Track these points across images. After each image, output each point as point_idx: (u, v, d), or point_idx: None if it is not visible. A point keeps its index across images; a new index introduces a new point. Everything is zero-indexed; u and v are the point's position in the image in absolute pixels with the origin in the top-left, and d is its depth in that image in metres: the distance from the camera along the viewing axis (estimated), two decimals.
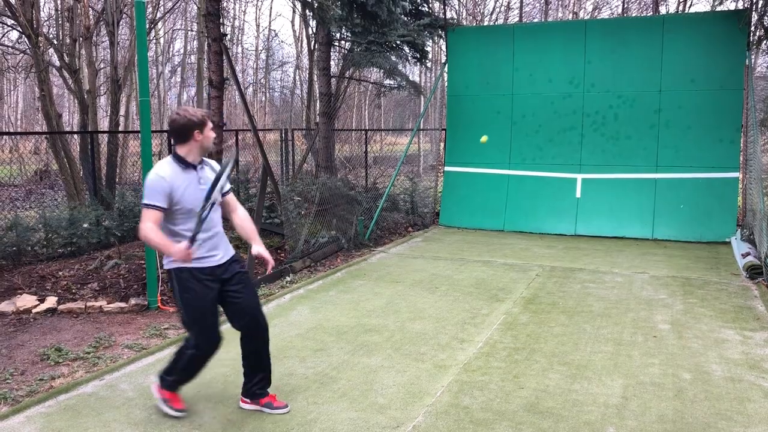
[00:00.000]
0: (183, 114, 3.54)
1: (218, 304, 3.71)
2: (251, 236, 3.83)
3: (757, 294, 6.57)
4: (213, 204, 3.54)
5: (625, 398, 4.03)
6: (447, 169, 11.51)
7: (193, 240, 3.44)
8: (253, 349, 3.77)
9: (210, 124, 3.61)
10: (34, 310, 5.83)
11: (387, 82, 12.42)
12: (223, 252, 3.71)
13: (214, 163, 3.77)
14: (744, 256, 7.82)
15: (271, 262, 3.82)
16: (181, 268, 3.56)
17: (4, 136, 16.17)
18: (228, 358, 4.75)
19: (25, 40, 10.85)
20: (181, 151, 3.54)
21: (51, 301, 5.98)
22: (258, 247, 3.78)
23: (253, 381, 3.83)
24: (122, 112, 18.87)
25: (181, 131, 3.52)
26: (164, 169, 3.51)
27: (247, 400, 3.87)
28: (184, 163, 3.55)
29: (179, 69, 27.27)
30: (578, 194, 10.39)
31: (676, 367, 4.56)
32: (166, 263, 3.63)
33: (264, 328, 3.77)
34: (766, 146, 10.93)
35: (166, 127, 25.94)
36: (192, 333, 3.71)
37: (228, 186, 3.77)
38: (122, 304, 6.03)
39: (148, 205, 3.44)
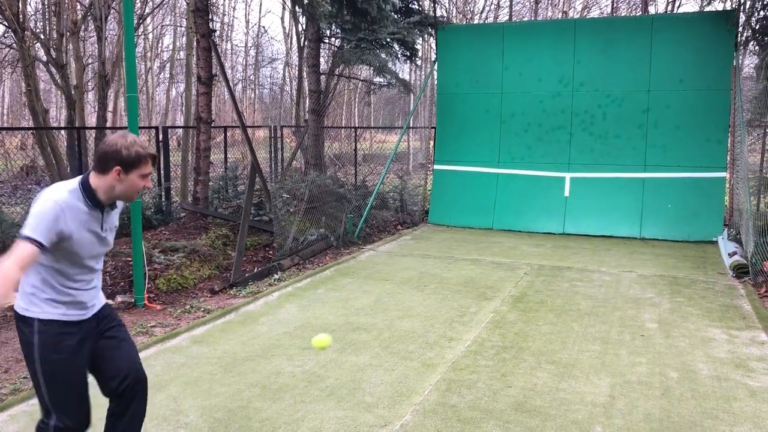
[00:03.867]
0: (115, 141, 2.61)
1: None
2: None
3: (743, 293, 6.61)
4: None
5: (612, 397, 4.04)
6: (436, 167, 11.50)
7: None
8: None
9: (144, 171, 2.65)
10: None
11: (377, 79, 12.39)
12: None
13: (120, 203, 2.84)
14: (731, 255, 7.87)
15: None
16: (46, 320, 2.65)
17: None
18: (214, 356, 4.72)
19: (11, 34, 10.73)
20: (94, 181, 2.63)
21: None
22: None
23: None
24: (110, 107, 18.73)
25: (102, 159, 2.62)
26: (62, 194, 2.57)
27: None
28: (92, 198, 2.63)
29: (168, 65, 27.09)
30: (567, 193, 10.42)
31: (663, 365, 4.58)
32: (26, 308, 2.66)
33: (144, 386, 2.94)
34: (753, 146, 11.01)
35: (154, 123, 25.78)
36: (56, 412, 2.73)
37: None
38: (108, 302, 5.97)
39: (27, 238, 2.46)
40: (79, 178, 2.66)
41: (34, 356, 2.64)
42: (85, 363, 2.76)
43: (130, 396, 2.85)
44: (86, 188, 2.62)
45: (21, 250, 2.42)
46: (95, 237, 2.67)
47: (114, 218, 2.81)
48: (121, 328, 2.96)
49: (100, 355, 2.82)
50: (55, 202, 2.52)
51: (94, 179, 2.63)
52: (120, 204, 2.81)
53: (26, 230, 2.46)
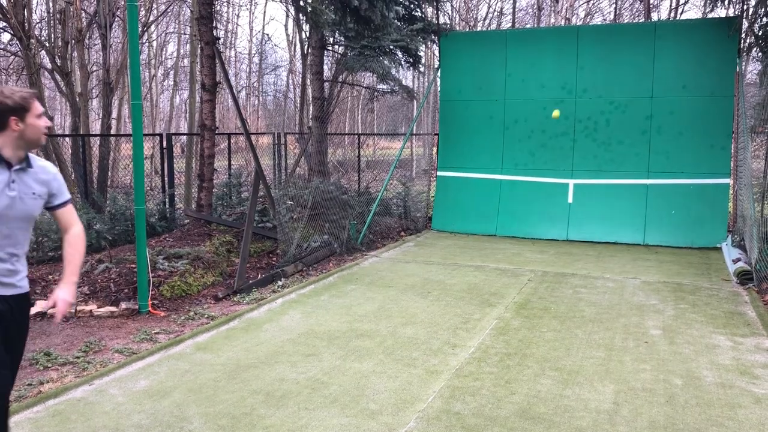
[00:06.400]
0: None
1: None
2: (66, 268, 2.95)
3: (747, 300, 6.59)
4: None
5: (616, 404, 4.03)
6: (439, 173, 11.51)
7: None
8: None
9: (36, 110, 2.76)
10: None
11: (380, 86, 12.43)
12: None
13: (48, 166, 2.92)
14: (735, 261, 7.85)
15: (60, 314, 2.87)
16: None
17: None
18: (218, 363, 4.72)
19: (17, 42, 10.79)
20: None
21: (41, 305, 5.93)
22: (61, 291, 2.86)
23: None
24: (114, 115, 18.81)
25: None
26: None
27: None
28: None
29: (172, 72, 27.21)
30: (570, 199, 10.42)
31: (667, 372, 4.57)
32: None
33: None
34: (757, 152, 10.99)
35: (158, 130, 25.86)
36: None
37: (63, 197, 2.95)
38: (113, 308, 5.99)
39: None
40: None
41: None
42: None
43: None
44: None
45: None
46: None
47: (33, 183, 2.80)
48: (21, 344, 2.91)
49: None
50: None
51: None
52: (41, 171, 2.83)
53: None
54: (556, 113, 6.29)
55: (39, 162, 2.86)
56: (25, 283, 2.85)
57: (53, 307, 2.83)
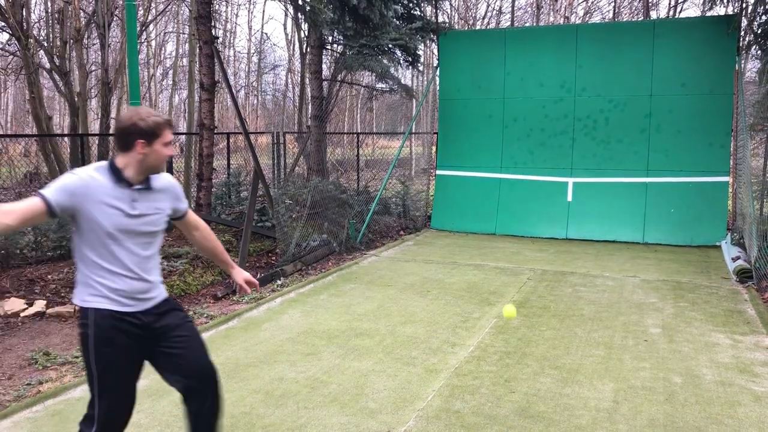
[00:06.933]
0: (130, 116, 2.67)
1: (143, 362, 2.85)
2: (224, 258, 3.22)
3: (747, 298, 6.59)
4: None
5: (616, 402, 4.03)
6: (439, 172, 11.51)
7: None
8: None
9: (165, 138, 2.72)
10: (22, 314, 5.78)
11: (379, 85, 12.42)
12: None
13: (167, 178, 2.89)
14: (734, 259, 7.85)
15: (256, 283, 3.26)
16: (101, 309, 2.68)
17: None
18: (217, 363, 4.72)
19: (15, 42, 10.79)
20: (120, 161, 2.68)
21: (40, 305, 5.93)
22: (241, 273, 3.20)
23: None
24: (113, 114, 18.79)
25: (121, 136, 2.68)
26: (87, 169, 2.66)
27: None
28: (117, 174, 2.66)
29: (171, 72, 27.19)
30: (569, 198, 10.41)
31: (666, 370, 4.57)
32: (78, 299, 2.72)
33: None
34: (756, 150, 10.99)
35: None
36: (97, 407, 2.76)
37: (184, 204, 2.99)
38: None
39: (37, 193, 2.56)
40: (108, 159, 2.73)
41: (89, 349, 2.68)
42: (137, 360, 2.78)
43: (199, 396, 2.88)
44: (112, 166, 2.66)
45: (26, 201, 2.49)
46: (120, 212, 2.64)
47: (155, 201, 2.77)
48: (188, 324, 2.92)
49: (164, 353, 2.82)
50: (76, 174, 2.60)
51: (120, 159, 2.68)
52: (162, 186, 2.81)
53: (41, 190, 2.55)
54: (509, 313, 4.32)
55: (160, 179, 2.83)
56: (161, 289, 2.86)
57: (250, 285, 3.20)
